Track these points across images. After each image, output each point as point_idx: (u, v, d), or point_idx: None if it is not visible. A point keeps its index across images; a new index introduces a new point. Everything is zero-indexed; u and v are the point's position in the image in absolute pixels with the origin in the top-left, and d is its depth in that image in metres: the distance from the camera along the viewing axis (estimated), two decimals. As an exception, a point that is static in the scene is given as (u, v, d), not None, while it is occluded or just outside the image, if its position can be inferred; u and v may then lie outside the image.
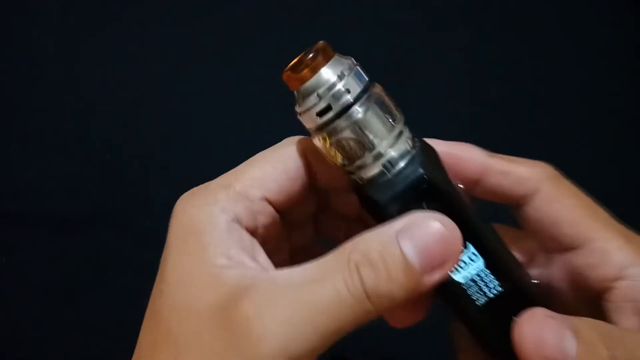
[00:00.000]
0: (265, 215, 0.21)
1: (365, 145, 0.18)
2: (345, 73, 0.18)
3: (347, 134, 0.18)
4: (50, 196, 0.43)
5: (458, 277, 0.20)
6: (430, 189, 0.19)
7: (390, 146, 0.19)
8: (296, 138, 0.22)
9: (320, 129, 0.19)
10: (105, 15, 0.47)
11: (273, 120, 0.45)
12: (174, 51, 0.46)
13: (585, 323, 0.18)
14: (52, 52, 0.46)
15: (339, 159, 0.19)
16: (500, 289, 0.20)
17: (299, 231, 0.25)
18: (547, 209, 0.22)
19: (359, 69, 0.19)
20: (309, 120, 0.19)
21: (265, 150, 0.22)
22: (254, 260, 0.19)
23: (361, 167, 0.19)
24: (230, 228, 0.19)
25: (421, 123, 0.47)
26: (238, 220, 0.19)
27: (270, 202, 0.21)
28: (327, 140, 0.19)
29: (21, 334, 0.41)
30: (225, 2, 0.47)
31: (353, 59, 0.20)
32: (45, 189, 0.43)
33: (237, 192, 0.20)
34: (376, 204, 0.19)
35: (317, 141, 0.19)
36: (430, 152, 0.21)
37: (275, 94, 0.46)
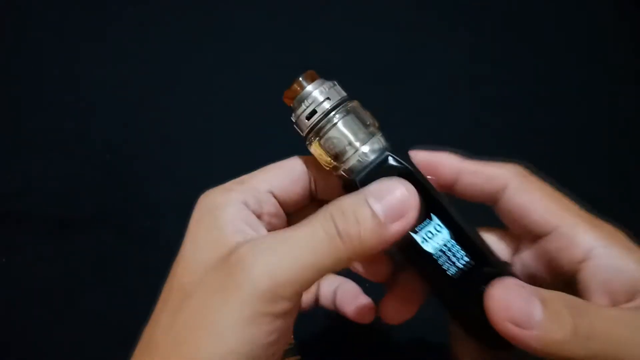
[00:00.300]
0: (269, 204, 0.24)
1: (346, 143, 0.23)
2: (326, 89, 0.24)
3: (331, 133, 0.23)
4: (50, 196, 0.43)
5: (428, 247, 0.23)
6: (397, 169, 0.23)
7: (365, 143, 0.23)
8: (301, 156, 0.26)
9: (310, 131, 0.24)
10: (105, 16, 0.47)
11: (273, 120, 0.45)
12: (174, 51, 0.46)
13: (554, 294, 0.20)
14: (52, 52, 0.46)
15: (328, 158, 0.23)
16: (468, 259, 0.23)
17: None
18: (515, 202, 0.24)
19: (339, 87, 0.25)
20: (302, 125, 0.24)
21: (277, 161, 0.26)
22: (257, 231, 0.23)
23: (344, 162, 0.23)
24: (240, 208, 0.23)
25: (421, 123, 0.48)
26: (247, 205, 0.23)
27: (274, 196, 0.25)
28: (318, 143, 0.23)
29: (21, 334, 0.41)
30: (225, 2, 0.47)
31: (336, 82, 0.25)
32: (45, 189, 0.43)
33: (248, 186, 0.24)
34: (352, 183, 0.23)
35: (311, 147, 0.24)
36: (402, 152, 0.24)
37: (275, 94, 0.46)
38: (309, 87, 0.24)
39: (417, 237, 0.23)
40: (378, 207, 0.20)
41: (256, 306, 0.19)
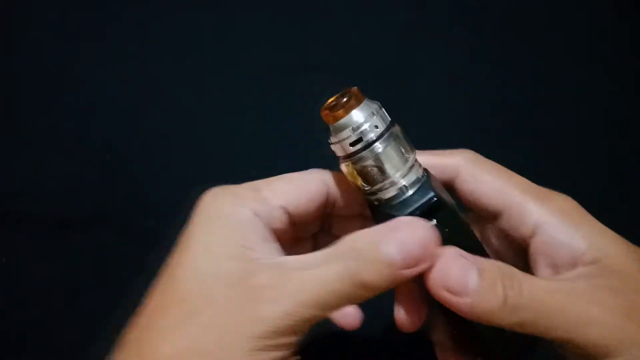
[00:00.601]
0: (279, 221, 0.24)
1: (385, 173, 0.23)
2: (374, 114, 0.23)
3: (370, 162, 0.23)
4: (50, 196, 0.43)
5: None
6: (436, 208, 0.23)
7: (404, 175, 0.23)
8: (321, 170, 0.26)
9: (348, 157, 0.23)
10: (105, 16, 0.47)
11: (273, 120, 0.46)
12: (174, 51, 0.46)
13: (492, 265, 0.21)
14: (52, 52, 0.46)
15: (360, 182, 0.24)
16: None
17: (300, 246, 0.28)
18: (467, 187, 0.25)
19: (383, 111, 0.24)
20: (340, 150, 0.24)
21: (296, 172, 0.25)
22: (270, 247, 0.22)
23: (380, 190, 0.23)
24: (255, 221, 0.22)
25: (421, 122, 0.47)
26: (263, 221, 0.23)
27: (287, 212, 0.24)
28: (353, 167, 0.23)
29: (21, 333, 0.41)
30: (225, 2, 0.47)
31: (379, 103, 0.24)
32: (45, 189, 0.43)
33: (263, 197, 0.23)
34: (386, 214, 0.23)
35: (344, 167, 0.24)
36: (435, 180, 0.25)
37: (274, 94, 0.46)
38: (356, 114, 0.23)
39: None
40: (395, 251, 0.20)
41: (270, 340, 0.19)
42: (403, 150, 0.23)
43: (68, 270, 0.42)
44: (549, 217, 0.23)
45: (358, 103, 0.23)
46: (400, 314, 0.25)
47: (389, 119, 0.24)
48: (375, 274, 0.20)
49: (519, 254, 0.25)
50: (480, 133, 0.45)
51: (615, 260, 0.22)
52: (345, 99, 0.23)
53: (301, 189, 0.24)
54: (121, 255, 0.43)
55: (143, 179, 0.44)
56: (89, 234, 0.43)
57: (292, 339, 0.20)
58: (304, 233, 0.28)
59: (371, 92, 0.47)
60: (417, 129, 0.46)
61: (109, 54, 0.46)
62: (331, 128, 0.24)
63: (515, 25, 0.49)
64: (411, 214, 0.23)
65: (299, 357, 0.22)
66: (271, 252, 0.22)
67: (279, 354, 0.19)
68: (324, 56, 0.47)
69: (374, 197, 0.24)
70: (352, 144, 0.23)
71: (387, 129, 0.23)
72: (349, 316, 0.25)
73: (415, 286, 0.25)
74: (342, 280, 0.20)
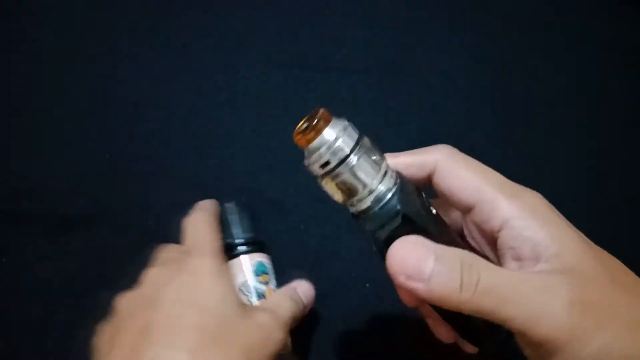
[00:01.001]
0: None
1: (360, 184, 0.24)
2: (341, 133, 0.24)
3: (345, 177, 0.24)
4: (50, 196, 0.43)
5: None
6: (405, 219, 0.24)
7: (380, 182, 0.25)
8: (202, 206, 0.36)
9: (326, 174, 0.25)
10: (105, 15, 0.47)
11: (272, 120, 0.46)
12: (174, 51, 0.46)
13: (451, 252, 0.23)
14: (52, 52, 0.46)
15: (340, 196, 0.25)
16: None
17: None
18: (443, 182, 0.26)
19: (352, 127, 0.25)
20: (316, 170, 0.25)
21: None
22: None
23: (359, 201, 0.25)
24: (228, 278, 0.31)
25: (421, 122, 0.48)
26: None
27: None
28: (331, 182, 0.25)
29: (21, 333, 0.41)
30: (225, 2, 0.48)
31: (346, 119, 0.25)
32: (45, 188, 0.43)
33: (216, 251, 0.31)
34: (367, 232, 0.25)
35: (324, 184, 0.25)
36: (407, 183, 0.26)
37: (274, 94, 0.46)
38: (326, 135, 0.24)
39: None
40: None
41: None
42: (374, 162, 0.25)
43: (68, 270, 0.42)
44: (516, 213, 0.24)
45: (327, 123, 0.24)
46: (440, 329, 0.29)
47: (358, 132, 0.25)
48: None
49: (491, 246, 0.26)
50: (479, 132, 0.45)
51: (574, 257, 0.23)
52: (315, 121, 0.24)
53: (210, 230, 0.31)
54: (121, 255, 0.43)
55: (143, 179, 0.44)
56: (89, 234, 0.43)
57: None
58: None
59: (370, 91, 0.47)
60: (416, 129, 0.46)
61: (109, 54, 0.46)
62: (306, 151, 0.25)
63: (515, 25, 0.49)
64: (380, 227, 0.25)
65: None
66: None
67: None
68: (324, 56, 0.47)
69: (354, 209, 0.26)
70: (327, 163, 0.24)
71: (357, 143, 0.24)
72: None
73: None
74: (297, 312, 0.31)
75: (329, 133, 0.24)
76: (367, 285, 0.40)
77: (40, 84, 0.45)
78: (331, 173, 0.24)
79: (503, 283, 0.22)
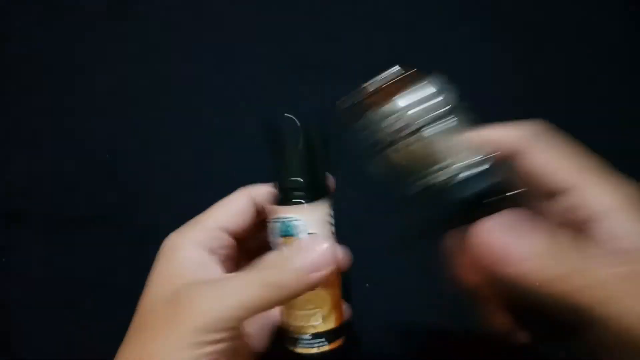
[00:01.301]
0: (219, 239, 0.29)
1: (450, 150, 0.22)
2: (438, 92, 0.22)
3: (433, 140, 0.21)
4: (50, 196, 0.43)
5: None
6: (501, 192, 0.23)
7: (472, 152, 0.22)
8: (248, 187, 0.30)
9: (407, 136, 0.22)
10: (105, 15, 0.47)
11: (272, 120, 0.45)
12: (174, 51, 0.46)
13: (561, 236, 0.22)
14: (52, 52, 0.46)
15: (414, 164, 0.22)
16: None
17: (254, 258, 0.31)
18: (533, 160, 0.25)
19: (448, 89, 0.23)
20: (398, 130, 0.22)
21: (227, 197, 0.30)
22: (207, 269, 0.27)
23: (444, 168, 0.22)
24: (192, 248, 0.28)
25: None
26: (200, 245, 0.28)
27: (226, 230, 0.29)
28: (407, 148, 0.22)
29: (21, 333, 0.41)
30: (225, 2, 0.48)
31: (441, 82, 0.23)
32: (45, 189, 0.43)
33: (200, 226, 0.29)
34: (438, 205, 0.23)
35: (395, 150, 0.22)
36: (500, 160, 0.24)
37: (274, 94, 0.46)
38: (425, 87, 0.22)
39: None
40: (299, 262, 0.24)
41: (194, 337, 0.23)
42: (466, 127, 0.22)
43: (68, 269, 0.42)
44: (609, 207, 0.23)
45: (412, 82, 0.22)
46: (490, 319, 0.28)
47: (450, 101, 0.22)
48: (288, 280, 0.24)
49: (573, 230, 0.24)
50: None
51: None
52: (408, 74, 0.22)
53: (230, 209, 0.29)
54: (121, 255, 0.43)
55: (143, 179, 0.44)
56: (88, 234, 0.43)
57: (215, 336, 0.24)
58: (253, 245, 0.32)
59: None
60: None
61: (109, 55, 0.46)
62: (381, 112, 0.22)
63: (515, 25, 0.49)
64: (467, 197, 0.22)
65: (343, 339, 0.29)
66: (208, 272, 0.27)
67: (214, 348, 0.24)
68: (324, 56, 0.47)
69: (430, 179, 0.23)
70: (416, 120, 0.22)
71: (453, 105, 0.22)
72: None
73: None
74: (257, 286, 0.24)
75: (428, 87, 0.22)
76: (367, 285, 0.40)
77: (40, 84, 0.45)
78: (418, 133, 0.22)
79: (611, 279, 0.20)
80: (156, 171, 0.44)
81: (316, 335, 0.29)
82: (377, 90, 0.22)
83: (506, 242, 0.21)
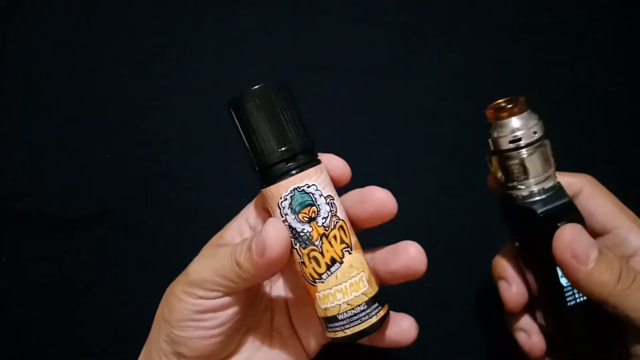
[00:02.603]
0: (213, 293, 0.30)
1: (540, 167, 0.29)
2: (531, 125, 0.29)
3: (516, 161, 0.29)
4: (51, 196, 0.43)
5: (563, 281, 0.30)
6: (573, 208, 0.29)
7: (543, 180, 0.29)
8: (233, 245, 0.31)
9: (507, 151, 0.29)
10: (106, 15, 0.47)
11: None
12: (174, 51, 0.46)
13: (609, 252, 0.27)
14: (52, 52, 0.46)
15: (508, 174, 0.29)
16: (584, 298, 0.30)
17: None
18: (587, 204, 0.31)
19: (541, 124, 0.29)
20: (503, 144, 0.29)
21: (211, 248, 0.31)
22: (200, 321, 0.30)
23: (523, 186, 0.29)
24: (187, 304, 0.29)
25: (420, 123, 0.47)
26: (191, 295, 0.30)
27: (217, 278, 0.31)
28: (509, 161, 0.29)
29: (21, 333, 0.41)
30: (225, 2, 0.48)
31: (538, 116, 0.30)
32: (45, 189, 0.43)
33: (190, 279, 0.29)
34: (532, 213, 0.29)
35: (499, 160, 0.30)
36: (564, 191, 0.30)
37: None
38: (527, 115, 0.29)
39: (559, 271, 0.29)
40: (253, 245, 0.26)
41: (187, 287, 0.28)
42: (547, 161, 0.29)
43: (68, 270, 0.42)
44: None
45: (520, 112, 0.29)
46: (507, 292, 0.32)
47: (543, 132, 0.29)
48: (244, 258, 0.27)
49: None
50: (479, 133, 0.45)
51: None
52: (510, 105, 0.29)
53: (215, 263, 0.30)
54: (122, 255, 0.43)
55: (143, 179, 0.44)
56: (89, 234, 0.43)
57: (204, 292, 0.28)
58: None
59: (370, 92, 0.47)
60: (416, 129, 0.46)
61: (109, 54, 0.46)
62: (492, 125, 0.29)
63: (515, 25, 0.49)
64: (547, 211, 0.29)
65: (387, 308, 0.30)
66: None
67: (206, 302, 0.28)
68: (324, 56, 0.47)
69: (510, 191, 0.30)
70: (512, 141, 0.29)
71: (544, 136, 0.29)
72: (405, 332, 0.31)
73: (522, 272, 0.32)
74: (228, 259, 0.27)
75: (530, 116, 0.29)
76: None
77: (40, 84, 0.45)
78: (514, 151, 0.28)
79: None
80: (156, 171, 0.44)
81: (370, 302, 0.28)
82: (503, 107, 0.29)
83: (583, 244, 0.26)
